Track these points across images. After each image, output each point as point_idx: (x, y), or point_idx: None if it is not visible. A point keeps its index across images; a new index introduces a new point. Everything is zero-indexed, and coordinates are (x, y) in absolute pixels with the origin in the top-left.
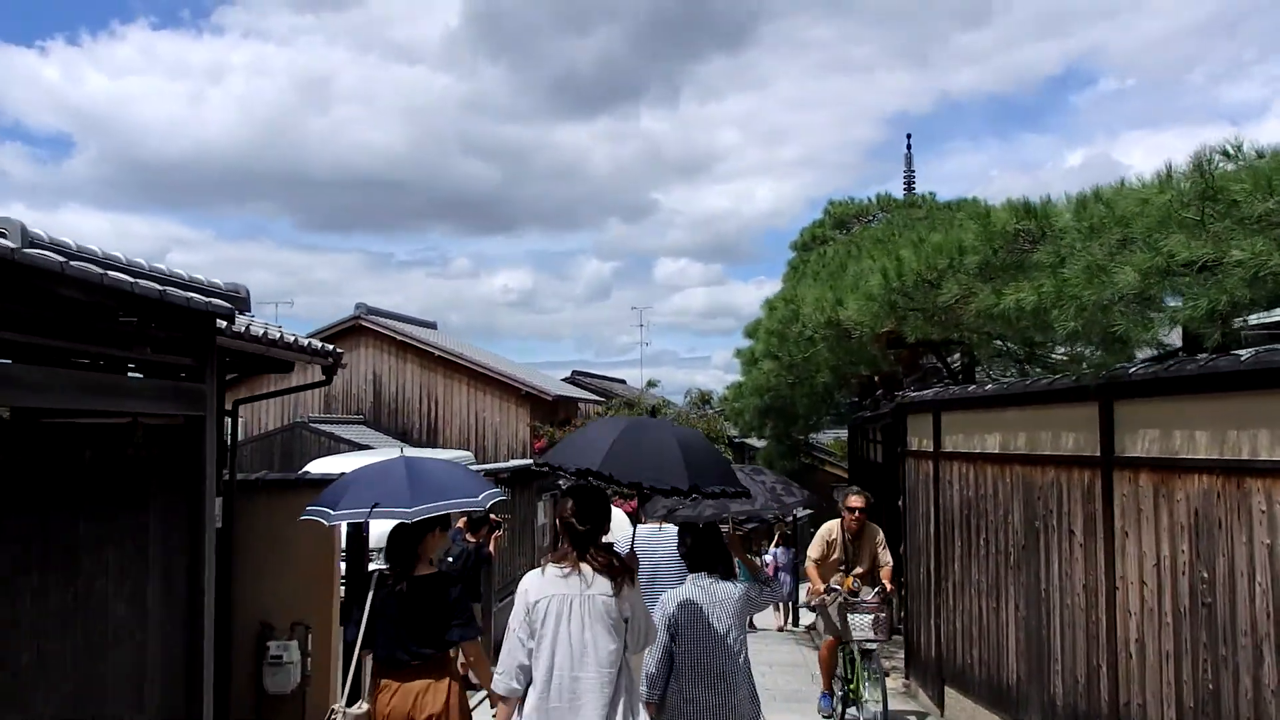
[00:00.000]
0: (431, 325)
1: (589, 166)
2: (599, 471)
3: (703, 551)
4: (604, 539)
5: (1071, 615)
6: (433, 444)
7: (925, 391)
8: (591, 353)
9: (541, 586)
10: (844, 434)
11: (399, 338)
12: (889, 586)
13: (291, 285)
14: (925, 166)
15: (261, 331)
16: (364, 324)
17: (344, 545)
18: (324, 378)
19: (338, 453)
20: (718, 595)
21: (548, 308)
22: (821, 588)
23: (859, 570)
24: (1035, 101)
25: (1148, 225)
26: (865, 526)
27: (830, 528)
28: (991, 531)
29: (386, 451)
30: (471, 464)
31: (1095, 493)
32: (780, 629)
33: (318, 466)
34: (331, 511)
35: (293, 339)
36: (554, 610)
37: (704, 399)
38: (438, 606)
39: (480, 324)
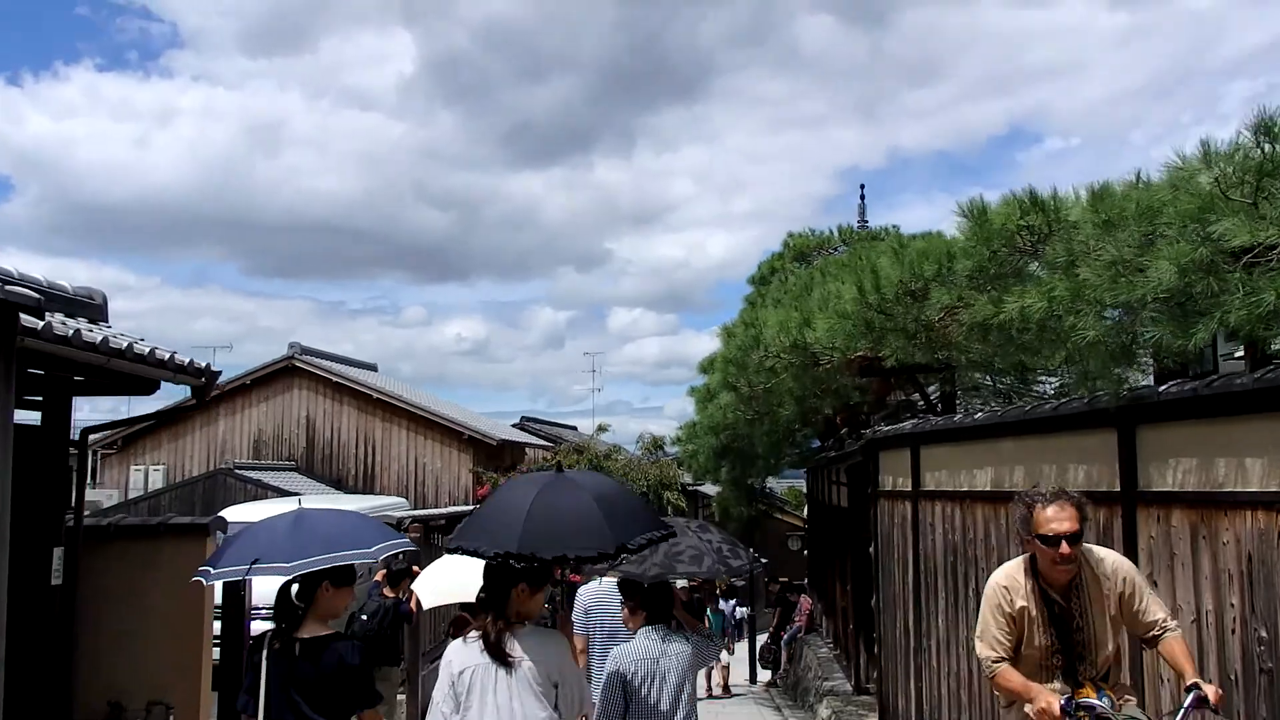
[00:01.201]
0: (371, 367)
1: (543, 215)
2: (519, 553)
3: (656, 605)
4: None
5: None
6: (369, 490)
7: (902, 424)
8: (545, 402)
9: (465, 656)
10: (799, 483)
11: (335, 379)
12: (1212, 691)
13: (239, 332)
14: (876, 219)
15: (99, 338)
16: (298, 364)
17: (218, 603)
18: (193, 400)
19: (266, 501)
20: (671, 649)
21: (501, 357)
22: (1056, 706)
23: (1106, 652)
24: (982, 158)
25: (1183, 213)
26: (1084, 568)
27: (1008, 585)
28: (983, 581)
29: (315, 499)
30: (405, 511)
31: (1114, 534)
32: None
33: (235, 514)
34: (211, 570)
35: (146, 350)
36: (479, 681)
37: (656, 444)
38: (328, 671)
39: (432, 373)
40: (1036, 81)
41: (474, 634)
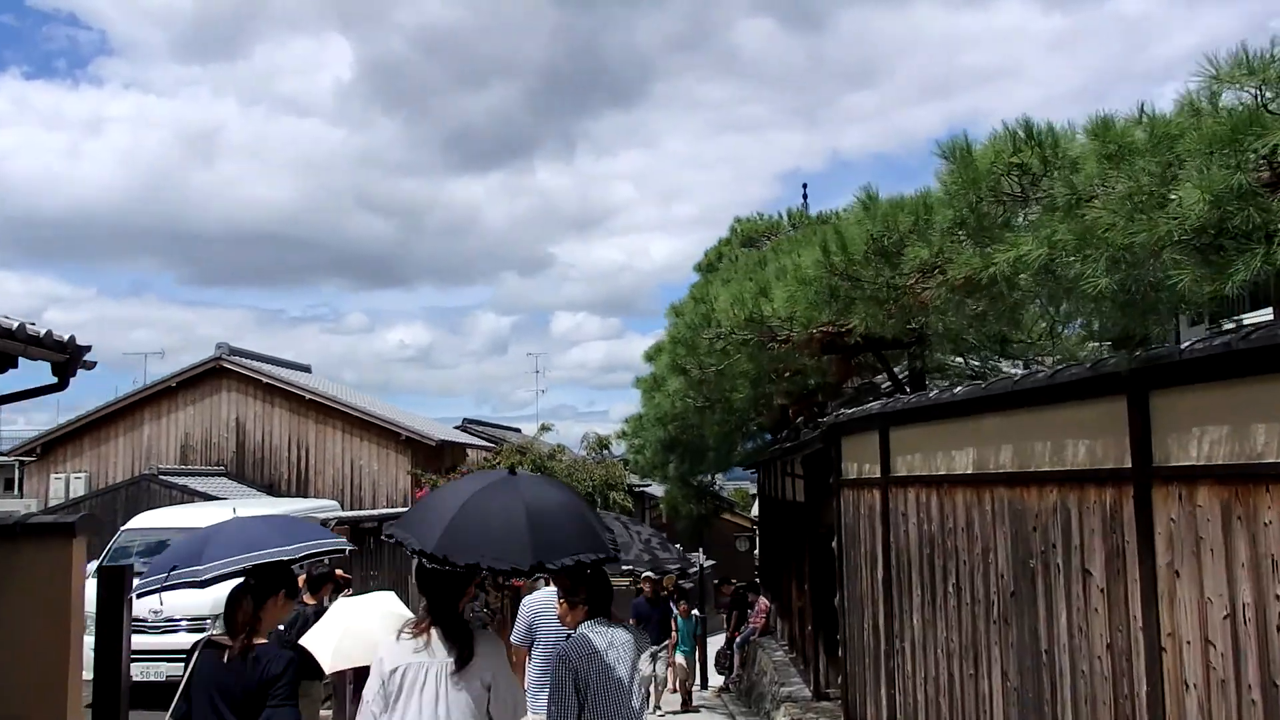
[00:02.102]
0: (305, 368)
1: (484, 221)
2: (434, 554)
3: (598, 598)
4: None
5: (1091, 687)
6: (303, 495)
7: (869, 405)
8: (489, 408)
9: (397, 654)
10: (745, 483)
11: (265, 380)
12: None
13: (177, 343)
14: None
15: None
16: (226, 365)
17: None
18: (55, 379)
19: (184, 506)
20: (616, 640)
21: (444, 363)
22: None
23: None
24: (920, 161)
25: (1209, 137)
26: None
27: None
28: (966, 575)
29: (245, 504)
30: (334, 513)
31: (1123, 518)
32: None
33: (145, 520)
34: (137, 580)
35: None
36: (410, 680)
37: (601, 444)
38: (252, 682)
39: (375, 380)
40: (973, 84)
41: (408, 631)
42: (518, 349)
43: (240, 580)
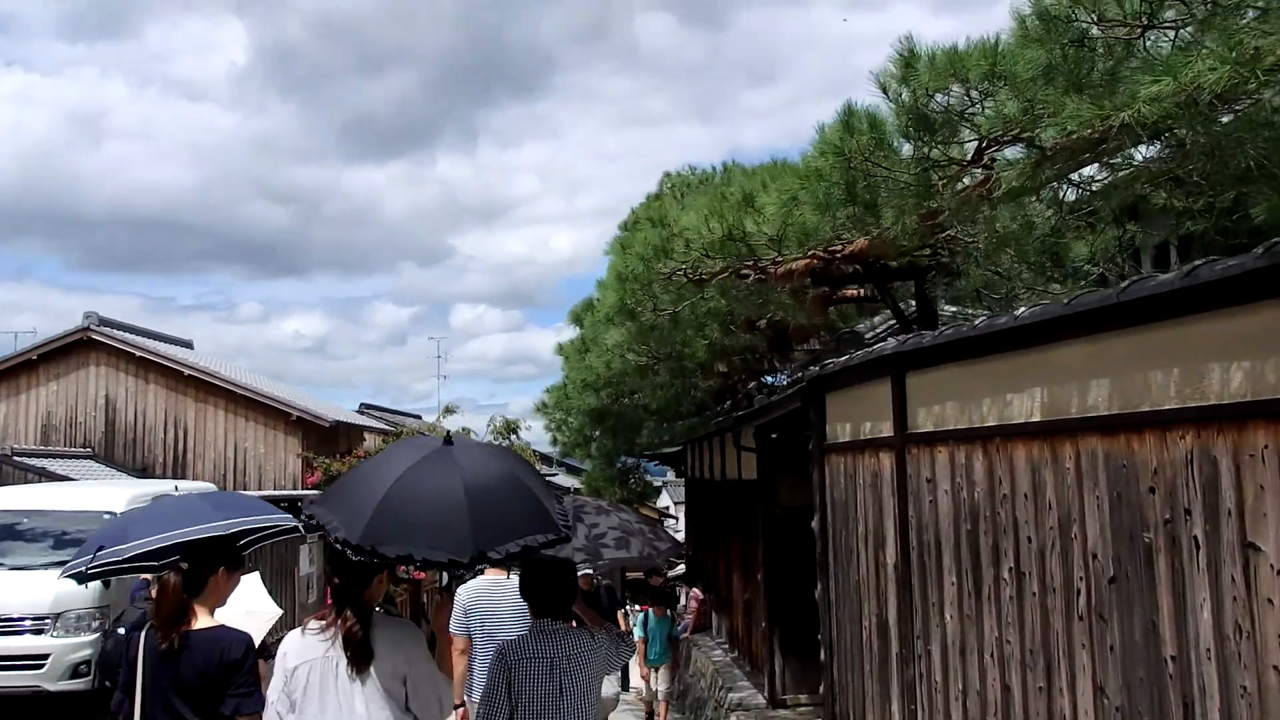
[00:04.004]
0: (186, 344)
1: (384, 210)
2: (359, 545)
3: (552, 592)
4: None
5: (1260, 710)
6: (179, 479)
7: (880, 345)
8: (388, 399)
9: (302, 650)
10: (648, 477)
11: (140, 354)
12: None
13: (62, 329)
14: None
15: None
16: (94, 337)
17: None
18: None
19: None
20: (567, 649)
21: (342, 354)
22: None
23: None
24: None
25: None
26: None
27: None
28: (1032, 556)
29: (107, 485)
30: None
31: None
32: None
33: None
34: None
35: None
36: (316, 677)
37: (509, 428)
38: (210, 669)
39: (271, 370)
40: (869, 84)
41: (313, 625)
42: (417, 340)
43: (165, 563)
